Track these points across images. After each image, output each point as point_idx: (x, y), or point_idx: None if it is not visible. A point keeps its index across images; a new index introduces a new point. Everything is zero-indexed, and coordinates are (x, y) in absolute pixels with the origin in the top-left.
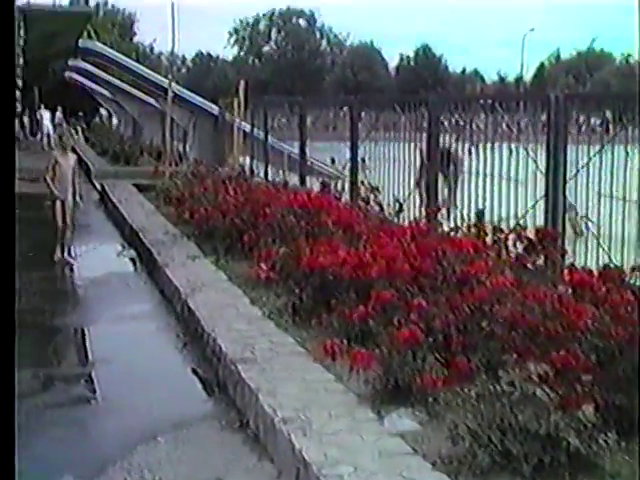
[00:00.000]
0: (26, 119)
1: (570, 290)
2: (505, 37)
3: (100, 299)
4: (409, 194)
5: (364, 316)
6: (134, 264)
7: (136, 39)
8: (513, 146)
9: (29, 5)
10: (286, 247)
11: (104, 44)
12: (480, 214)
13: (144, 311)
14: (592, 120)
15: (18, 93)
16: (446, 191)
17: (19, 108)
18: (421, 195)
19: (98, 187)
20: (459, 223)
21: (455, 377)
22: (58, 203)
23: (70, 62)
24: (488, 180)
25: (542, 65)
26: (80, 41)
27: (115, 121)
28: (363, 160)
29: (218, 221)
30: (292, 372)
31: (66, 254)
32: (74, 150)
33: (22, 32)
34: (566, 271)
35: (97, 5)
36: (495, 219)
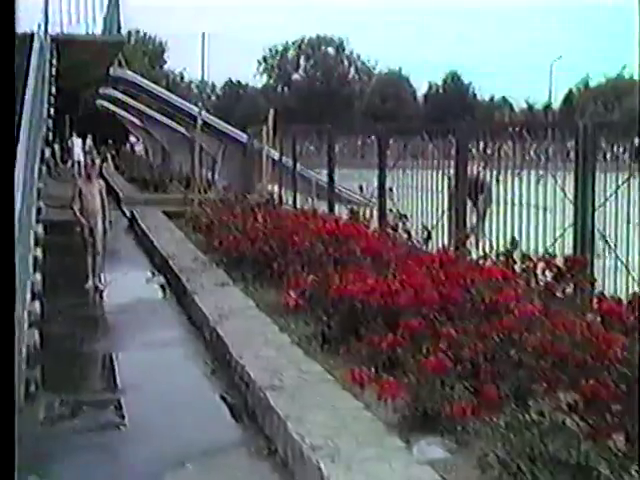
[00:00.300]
0: (57, 147)
1: (599, 318)
2: (533, 63)
3: (129, 326)
4: (437, 222)
5: (392, 344)
6: (163, 291)
7: (166, 67)
8: (541, 173)
9: (62, 34)
10: (315, 275)
11: (135, 72)
12: (514, 242)
13: (173, 338)
14: (619, 148)
15: (50, 121)
16: (475, 219)
17: (50, 136)
18: (450, 223)
19: (127, 214)
20: (488, 251)
21: (484, 406)
22: (87, 230)
23: (101, 90)
24: (516, 208)
25: (570, 92)
26: (111, 69)
27: (138, 148)
28: (390, 189)
29: (247, 248)
30: (320, 400)
31: (97, 281)
32: (103, 177)
33: (54, 61)
34: (595, 299)
35: (128, 33)
36: (524, 247)
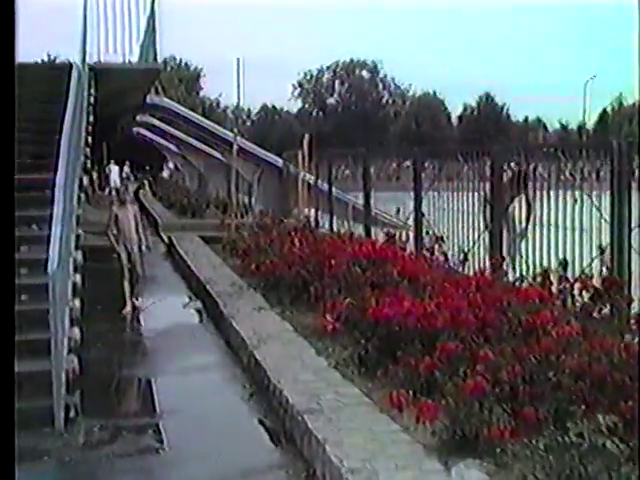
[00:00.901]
0: (95, 174)
1: (637, 339)
2: (568, 83)
3: (168, 350)
4: (473, 243)
5: (430, 367)
6: (200, 315)
7: (203, 93)
8: (577, 194)
9: (100, 63)
10: (352, 298)
11: (171, 99)
12: (564, 263)
13: (211, 362)
14: None
15: (88, 150)
16: (514, 240)
17: (89, 164)
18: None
19: (165, 239)
20: (525, 272)
21: (522, 428)
22: (124, 256)
23: (138, 117)
24: (552, 228)
25: (605, 112)
26: (148, 97)
27: (165, 174)
28: (423, 214)
29: (284, 272)
30: (358, 423)
31: (134, 303)
32: (141, 203)
33: (92, 90)
34: (633, 320)
35: (164, 60)
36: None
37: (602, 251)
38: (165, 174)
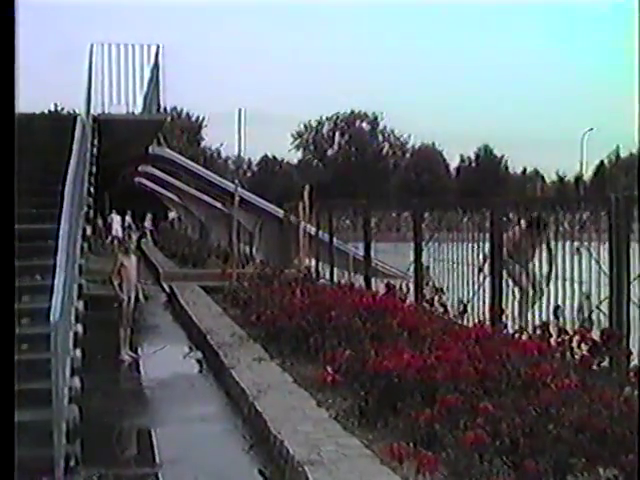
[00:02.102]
0: (98, 222)
1: (637, 392)
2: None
3: (167, 400)
4: (473, 294)
5: (430, 419)
6: (200, 365)
7: (204, 143)
8: (576, 245)
9: (103, 114)
10: (352, 349)
11: (172, 149)
12: (557, 310)
13: (211, 412)
14: None
15: (91, 200)
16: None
17: (91, 214)
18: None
19: (166, 289)
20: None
21: None
22: (124, 303)
23: (140, 168)
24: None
25: (602, 164)
26: (150, 147)
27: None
28: (428, 267)
29: (284, 323)
30: (359, 474)
31: (132, 353)
32: (142, 252)
33: (96, 141)
34: (632, 373)
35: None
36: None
37: (587, 297)
38: (167, 224)
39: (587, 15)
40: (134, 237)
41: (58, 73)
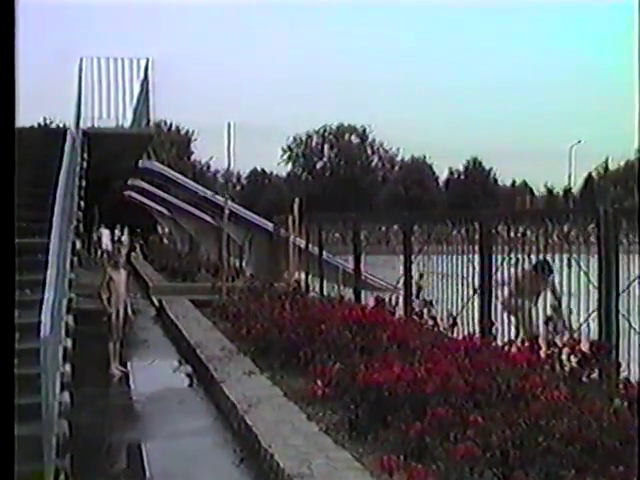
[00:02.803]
0: (90, 236)
1: (626, 403)
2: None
3: (158, 415)
4: (462, 307)
5: (420, 432)
6: (190, 379)
7: (194, 157)
8: (565, 257)
9: (93, 128)
10: (342, 363)
11: (162, 163)
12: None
13: (201, 426)
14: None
15: (80, 214)
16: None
17: (81, 228)
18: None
19: (156, 303)
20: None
21: None
22: (113, 317)
23: (130, 181)
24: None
25: (590, 176)
26: (140, 161)
27: (156, 237)
28: (420, 276)
29: (274, 337)
30: None
31: (121, 367)
32: (132, 266)
33: (85, 155)
34: (621, 385)
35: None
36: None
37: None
38: (156, 237)
39: (587, 15)
40: (123, 251)
41: (47, 87)
